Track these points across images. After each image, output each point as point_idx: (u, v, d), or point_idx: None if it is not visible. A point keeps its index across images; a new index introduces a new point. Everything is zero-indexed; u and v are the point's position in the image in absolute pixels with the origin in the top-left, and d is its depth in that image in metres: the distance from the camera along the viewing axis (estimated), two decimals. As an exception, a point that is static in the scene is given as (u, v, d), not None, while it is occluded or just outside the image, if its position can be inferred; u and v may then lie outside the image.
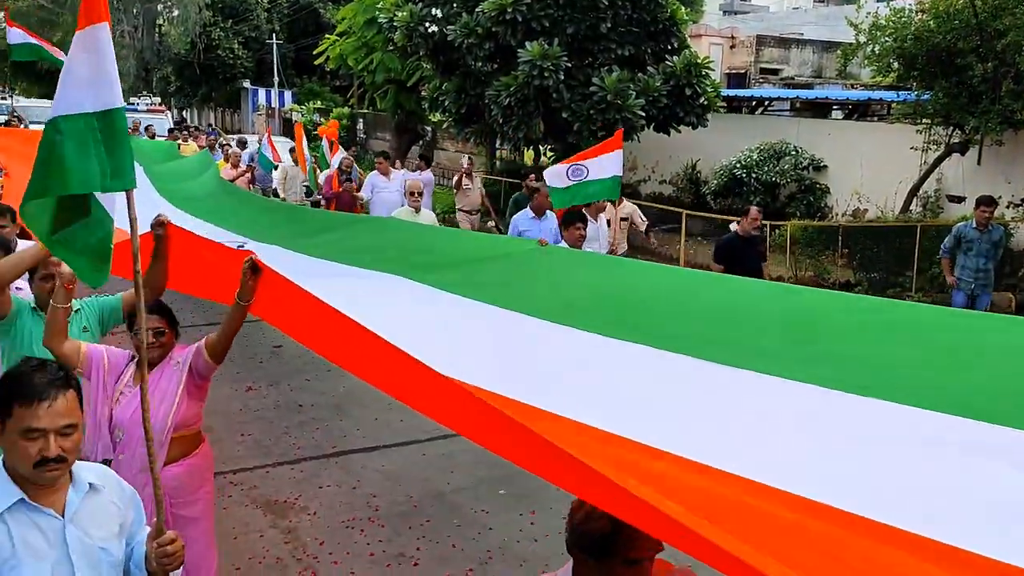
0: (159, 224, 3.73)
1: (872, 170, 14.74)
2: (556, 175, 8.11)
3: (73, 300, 3.86)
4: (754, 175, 15.78)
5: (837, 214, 15.33)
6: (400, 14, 15.66)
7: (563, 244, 6.73)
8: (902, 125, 13.99)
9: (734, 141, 16.82)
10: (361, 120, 30.29)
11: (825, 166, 15.91)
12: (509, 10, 14.10)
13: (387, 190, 11.76)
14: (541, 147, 17.42)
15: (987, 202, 8.92)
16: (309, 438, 6.67)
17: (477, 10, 14.71)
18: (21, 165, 7.60)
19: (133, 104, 34.59)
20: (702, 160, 17.63)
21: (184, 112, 47.27)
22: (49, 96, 45.62)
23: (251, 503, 5.67)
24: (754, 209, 8.72)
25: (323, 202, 12.27)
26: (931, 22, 12.37)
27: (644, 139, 15.70)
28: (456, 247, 4.80)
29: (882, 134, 15.34)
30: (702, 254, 14.32)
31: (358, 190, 11.92)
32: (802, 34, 29.48)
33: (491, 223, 13.66)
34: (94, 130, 2.77)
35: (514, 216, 8.60)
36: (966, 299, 9.03)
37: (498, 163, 20.64)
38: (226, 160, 14.70)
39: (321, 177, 13.16)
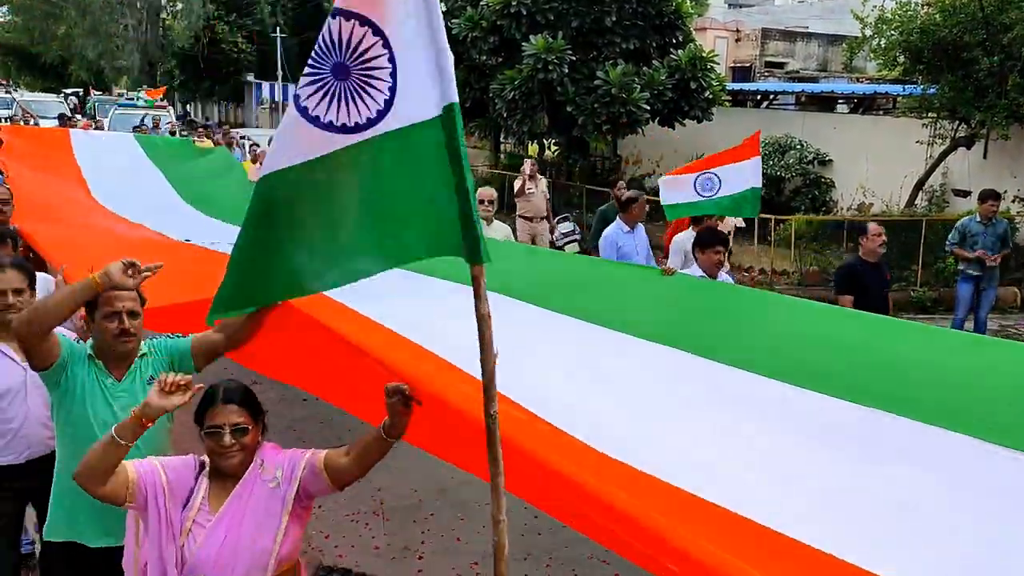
0: None
1: (877, 164, 14.70)
2: (679, 187, 6.91)
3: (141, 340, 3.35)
4: (760, 169, 15.72)
5: (842, 208, 15.29)
6: (404, 7, 15.64)
7: (694, 270, 5.68)
8: (908, 119, 13.95)
9: (739, 135, 16.67)
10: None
11: (830, 160, 15.86)
12: (513, 3, 14.08)
13: None
14: (545, 141, 17.40)
15: (992, 196, 8.90)
16: (314, 432, 6.67)
17: (481, 3, 14.69)
18: (24, 166, 7.38)
19: (133, 99, 34.48)
20: (707, 154, 17.53)
21: (188, 106, 47.27)
22: (52, 90, 45.65)
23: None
24: (873, 225, 7.02)
25: None
26: (937, 16, 12.34)
27: (649, 133, 15.67)
28: (584, 273, 4.60)
29: (888, 128, 15.30)
30: (706, 248, 14.29)
31: None
32: (807, 27, 29.38)
33: (554, 231, 11.86)
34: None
35: (606, 231, 7.50)
36: (972, 291, 9.00)
37: (502, 157, 20.62)
38: (254, 160, 13.65)
39: None
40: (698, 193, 6.76)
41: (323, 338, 2.99)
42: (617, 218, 7.55)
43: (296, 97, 2.19)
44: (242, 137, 20.98)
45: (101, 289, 3.02)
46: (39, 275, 4.32)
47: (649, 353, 3.32)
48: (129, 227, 6.23)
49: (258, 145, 14.86)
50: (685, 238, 6.94)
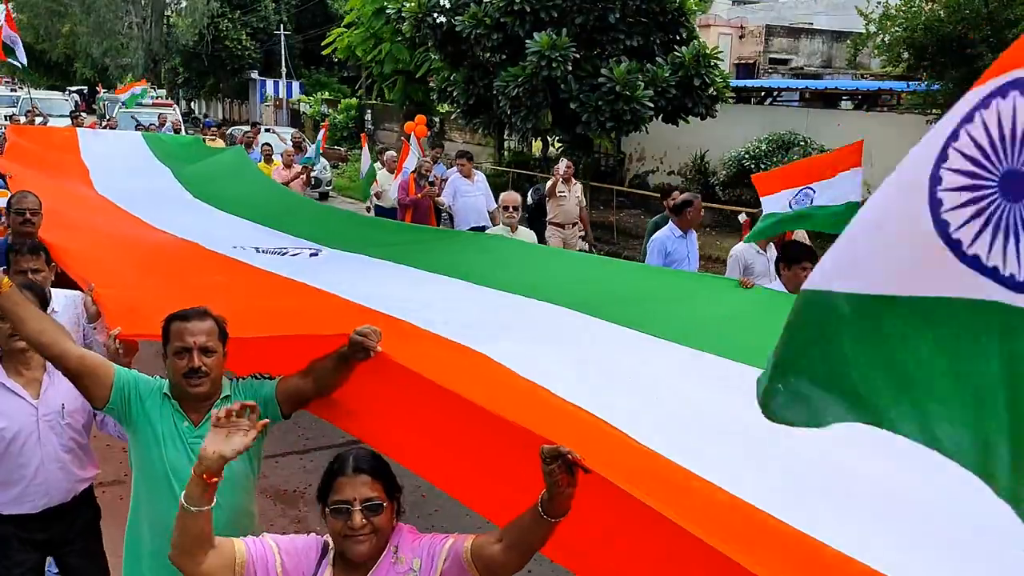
0: (362, 348, 2.80)
1: (881, 160, 14.62)
2: (775, 202, 6.12)
3: (224, 379, 2.96)
4: (763, 166, 15.73)
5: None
6: (408, 4, 15.66)
7: (776, 285, 5.14)
8: (912, 115, 13.92)
9: (743, 132, 16.77)
10: (369, 111, 30.28)
11: (834, 157, 15.83)
12: (517, 1, 14.07)
13: (471, 194, 10.55)
14: (549, 138, 17.41)
15: None
16: (318, 428, 6.69)
17: (485, 0, 14.69)
18: (33, 169, 7.07)
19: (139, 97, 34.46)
20: (711, 151, 17.58)
21: (192, 104, 47.32)
22: (57, 87, 45.72)
23: (260, 493, 5.68)
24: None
25: (398, 211, 10.86)
26: (941, 12, 12.31)
27: (652, 130, 15.66)
28: (650, 284, 4.35)
29: (892, 124, 15.27)
30: (710, 245, 14.30)
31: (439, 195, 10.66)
32: (812, 24, 29.32)
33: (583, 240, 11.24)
34: None
35: (656, 234, 7.13)
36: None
37: (506, 154, 20.64)
38: (267, 160, 13.06)
39: (392, 184, 11.25)
40: (792, 208, 6.05)
41: (442, 401, 2.63)
42: (669, 222, 7.14)
43: (935, 202, 1.29)
44: (266, 129, 20.25)
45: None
46: (67, 293, 4.09)
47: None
48: (151, 232, 5.88)
49: (271, 146, 14.17)
50: (743, 249, 6.54)
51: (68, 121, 19.12)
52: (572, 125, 14.48)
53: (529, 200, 11.38)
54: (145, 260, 5.06)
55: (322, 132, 14.47)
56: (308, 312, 4.01)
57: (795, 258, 5.03)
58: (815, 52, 28.35)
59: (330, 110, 32.24)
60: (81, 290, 4.03)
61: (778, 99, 21.06)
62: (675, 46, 15.08)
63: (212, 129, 20.57)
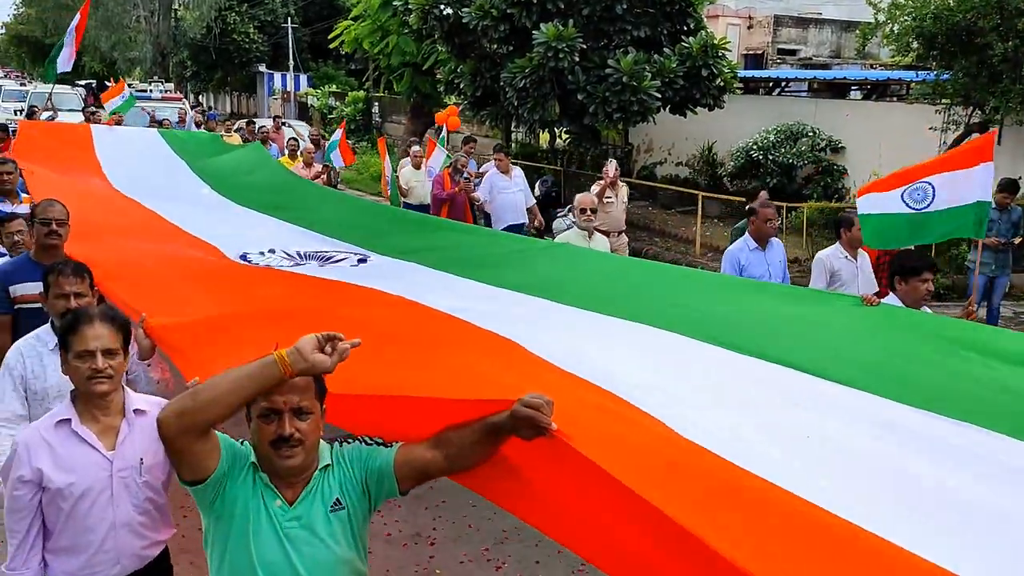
0: (532, 425, 2.23)
1: (891, 151, 14.59)
2: (882, 200, 5.40)
3: (321, 443, 2.42)
4: (771, 157, 15.69)
5: (855, 196, 15.18)
6: (415, -4, 15.61)
7: (893, 300, 4.56)
8: (921, 105, 13.85)
9: (751, 123, 16.70)
10: (377, 104, 30.27)
11: (843, 147, 15.78)
12: (524, -8, 14.03)
13: (508, 190, 10.22)
14: (556, 129, 17.37)
15: (1008, 187, 8.86)
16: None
17: (492, -8, 14.64)
18: (48, 169, 6.55)
19: (146, 91, 34.51)
20: (719, 142, 17.52)
21: (200, 97, 47.39)
22: (66, 81, 45.77)
23: (269, 484, 5.68)
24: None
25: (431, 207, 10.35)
26: (951, 0, 12.22)
27: (660, 121, 15.62)
28: (772, 306, 3.75)
29: (901, 114, 15.19)
30: (718, 236, 14.27)
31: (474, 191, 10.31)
32: (820, 14, 29.18)
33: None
34: None
35: (730, 247, 6.63)
36: (985, 280, 8.97)
37: (514, 146, 20.60)
38: (291, 156, 12.49)
39: (420, 180, 10.89)
40: (906, 205, 5.25)
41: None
42: (745, 232, 6.52)
43: None
44: (284, 124, 19.43)
45: (291, 374, 2.19)
46: None
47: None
48: (187, 238, 5.25)
49: (297, 141, 13.10)
50: (829, 255, 6.08)
51: (80, 116, 18.54)
52: (579, 116, 14.43)
53: (536, 192, 11.37)
54: (192, 275, 4.40)
55: (340, 133, 14.02)
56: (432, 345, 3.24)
57: (914, 270, 4.57)
58: (824, 42, 28.21)
59: (337, 103, 32.24)
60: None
61: (787, 90, 20.96)
62: (683, 37, 15.02)
63: (224, 123, 19.32)
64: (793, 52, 27.77)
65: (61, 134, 9.29)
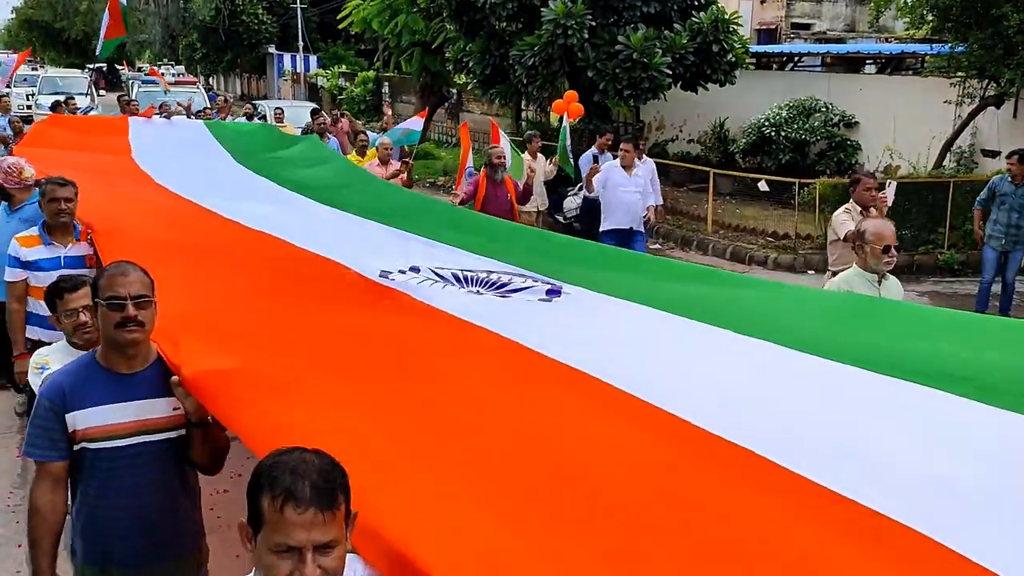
0: None
1: (905, 125, 14.45)
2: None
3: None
4: (783, 133, 15.55)
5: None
6: (423, -25, 15.51)
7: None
8: (936, 79, 13.67)
9: (763, 98, 16.55)
10: (387, 84, 30.17)
11: (856, 122, 15.62)
12: (532, -32, 13.91)
13: (625, 188, 8.79)
14: (567, 108, 17.25)
15: (1019, 156, 8.71)
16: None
17: (500, -31, 14.52)
18: (64, 150, 6.33)
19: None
20: (731, 118, 17.38)
21: (211, 79, 47.39)
22: (77, 65, 45.90)
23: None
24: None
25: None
26: (965, -29, 12.02)
27: (671, 98, 15.50)
28: None
29: (915, 88, 15.01)
30: (730, 213, 14.19)
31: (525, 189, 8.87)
32: (834, -13, 28.82)
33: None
34: None
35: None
36: (997, 256, 8.88)
37: (524, 124, 20.50)
38: (360, 153, 10.88)
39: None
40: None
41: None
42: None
43: None
44: (341, 115, 15.67)
45: None
46: None
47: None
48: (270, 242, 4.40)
49: (367, 136, 11.59)
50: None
51: (87, 101, 18.20)
52: (589, 94, 14.33)
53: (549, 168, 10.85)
54: (283, 308, 3.36)
55: (419, 121, 11.37)
56: None
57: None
58: (838, 16, 27.88)
59: (347, 83, 32.16)
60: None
61: (800, 64, 20.75)
62: (693, 12, 14.87)
63: (278, 112, 16.83)
64: (807, 26, 27.46)
65: (96, 125, 8.68)
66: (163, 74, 33.43)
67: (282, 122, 14.96)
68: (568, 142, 10.66)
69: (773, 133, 15.64)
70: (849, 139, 15.54)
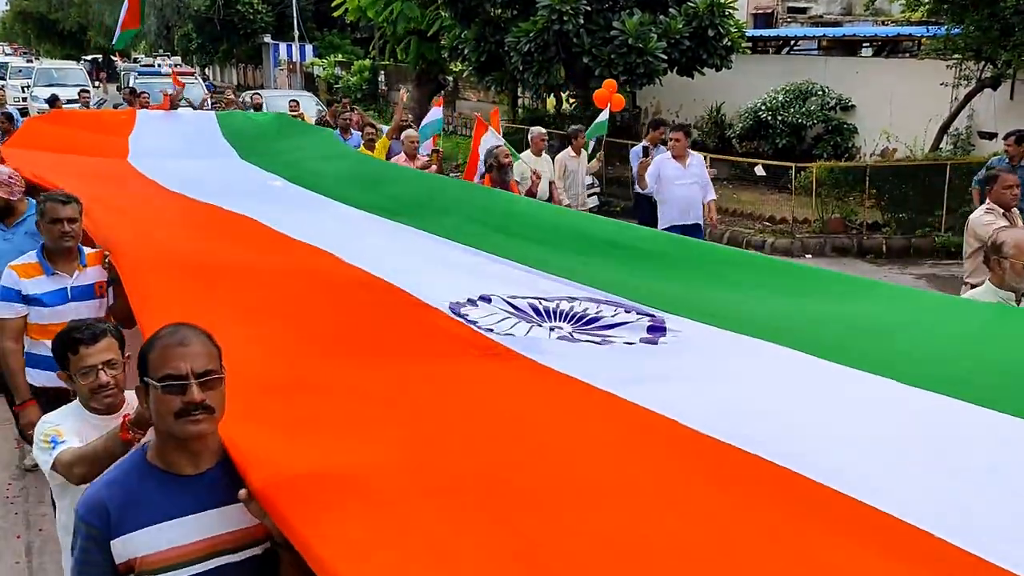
0: None
1: (901, 108, 14.43)
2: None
3: None
4: (780, 117, 15.53)
5: (865, 154, 15.06)
6: (417, -38, 15.47)
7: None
8: (932, 61, 13.64)
9: (760, 83, 16.52)
10: (383, 72, 30.09)
11: (853, 106, 15.60)
12: (527, -46, 13.88)
13: (682, 182, 8.15)
14: (562, 94, 17.24)
15: (1016, 137, 8.70)
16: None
17: (494, -45, 14.50)
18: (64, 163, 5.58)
19: (154, 66, 34.38)
20: (727, 103, 17.34)
21: (207, 70, 47.24)
22: (72, 57, 45.76)
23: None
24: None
25: None
26: (961, -48, 11.99)
27: (667, 83, 15.47)
28: None
29: (911, 71, 14.98)
30: (727, 198, 14.17)
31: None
32: (831, -30, 28.72)
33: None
34: None
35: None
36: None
37: (520, 111, 20.48)
38: (369, 147, 10.04)
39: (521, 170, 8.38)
40: None
41: None
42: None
43: None
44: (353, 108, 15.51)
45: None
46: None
47: None
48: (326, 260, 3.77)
49: (375, 128, 10.92)
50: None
51: (100, 93, 17.93)
52: (585, 80, 14.32)
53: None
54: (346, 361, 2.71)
55: (438, 110, 10.97)
56: None
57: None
58: (834, -1, 27.79)
59: (343, 72, 32.06)
60: None
61: (796, 48, 20.70)
62: (688, -4, 14.85)
63: (293, 103, 15.35)
64: (803, 10, 27.38)
65: (99, 120, 7.96)
66: (158, 65, 33.35)
67: (297, 111, 13.90)
68: (604, 133, 10.29)
69: (769, 117, 15.62)
70: (846, 122, 15.52)
